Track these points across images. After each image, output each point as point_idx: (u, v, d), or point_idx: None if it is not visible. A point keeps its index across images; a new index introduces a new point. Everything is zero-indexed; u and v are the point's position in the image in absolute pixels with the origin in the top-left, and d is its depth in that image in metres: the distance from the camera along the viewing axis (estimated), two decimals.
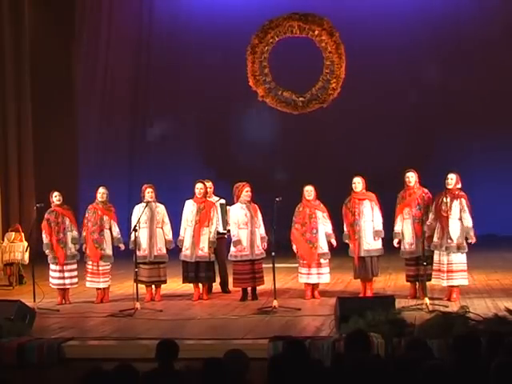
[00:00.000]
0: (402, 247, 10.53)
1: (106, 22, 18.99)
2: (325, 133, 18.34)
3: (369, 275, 10.55)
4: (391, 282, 11.82)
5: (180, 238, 11.05)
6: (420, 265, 10.22)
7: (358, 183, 10.60)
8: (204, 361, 5.08)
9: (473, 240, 10.06)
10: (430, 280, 10.20)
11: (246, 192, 10.81)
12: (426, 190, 10.46)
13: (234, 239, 10.82)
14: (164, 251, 11.02)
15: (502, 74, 17.83)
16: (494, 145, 17.99)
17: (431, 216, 10.23)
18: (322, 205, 10.79)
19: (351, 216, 10.52)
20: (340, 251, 10.98)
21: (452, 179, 10.17)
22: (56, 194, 11.10)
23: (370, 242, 10.50)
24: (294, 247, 10.71)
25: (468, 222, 10.08)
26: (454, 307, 9.21)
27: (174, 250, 11.21)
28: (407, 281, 10.57)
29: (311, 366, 5.23)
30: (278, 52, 15.23)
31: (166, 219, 11.07)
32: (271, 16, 15.14)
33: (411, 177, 10.44)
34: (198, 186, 11.08)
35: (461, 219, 10.07)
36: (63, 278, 10.96)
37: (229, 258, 10.93)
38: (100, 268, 10.95)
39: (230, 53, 16.92)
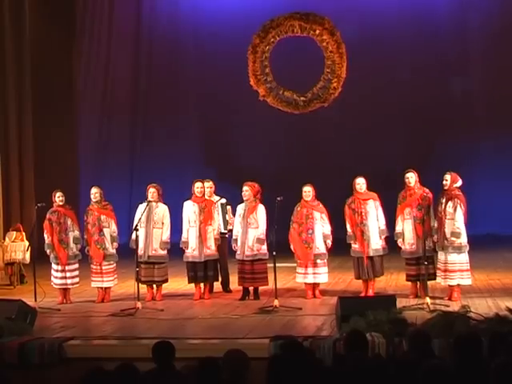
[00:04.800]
0: (402, 247, 10.55)
1: (106, 22, 18.96)
2: (326, 132, 18.32)
3: (377, 274, 10.61)
4: (392, 281, 11.81)
5: (183, 239, 10.97)
6: (421, 264, 10.25)
7: (363, 184, 10.60)
8: (199, 360, 5.07)
9: (452, 244, 10.05)
10: (434, 279, 10.25)
11: (243, 192, 10.79)
12: (426, 190, 10.46)
13: (233, 237, 10.89)
14: (160, 252, 10.90)
15: (503, 73, 17.82)
16: (494, 144, 17.97)
17: (433, 218, 10.26)
18: (321, 205, 10.75)
19: (357, 217, 10.51)
20: (340, 251, 10.96)
21: (447, 180, 10.18)
22: (59, 194, 11.05)
23: (378, 242, 10.53)
24: (292, 246, 10.71)
25: (457, 224, 10.03)
26: (455, 307, 9.20)
27: (175, 250, 11.18)
28: (407, 280, 10.60)
29: (310, 366, 5.22)
30: (279, 51, 15.23)
31: (166, 220, 10.94)
32: (272, 15, 15.14)
33: (411, 177, 10.45)
34: (197, 186, 11.04)
35: (453, 219, 10.09)
36: (65, 277, 10.95)
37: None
38: (103, 268, 10.92)
39: (231, 52, 16.90)
